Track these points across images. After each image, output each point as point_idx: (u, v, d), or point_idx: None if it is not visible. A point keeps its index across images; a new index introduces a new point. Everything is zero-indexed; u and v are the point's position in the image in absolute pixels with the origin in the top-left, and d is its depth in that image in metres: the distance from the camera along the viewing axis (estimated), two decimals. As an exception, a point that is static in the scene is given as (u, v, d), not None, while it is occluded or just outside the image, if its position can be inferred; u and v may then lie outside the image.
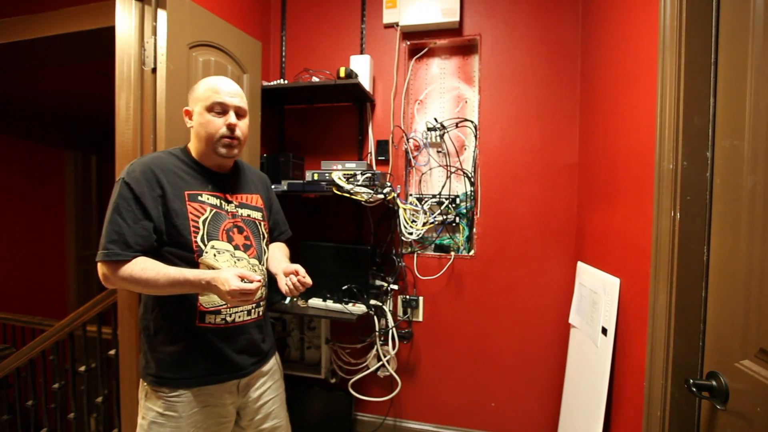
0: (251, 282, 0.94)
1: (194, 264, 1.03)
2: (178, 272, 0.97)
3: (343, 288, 1.80)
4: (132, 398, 1.47)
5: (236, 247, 1.11)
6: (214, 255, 1.06)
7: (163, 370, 1.04)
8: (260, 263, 1.18)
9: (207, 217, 1.06)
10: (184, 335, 1.05)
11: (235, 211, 1.14)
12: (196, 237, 1.04)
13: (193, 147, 1.12)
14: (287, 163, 1.94)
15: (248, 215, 1.18)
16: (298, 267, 1.13)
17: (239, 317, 1.12)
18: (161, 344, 1.05)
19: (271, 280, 1.21)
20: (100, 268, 0.98)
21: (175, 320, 1.05)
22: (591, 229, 1.64)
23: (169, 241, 1.02)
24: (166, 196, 1.01)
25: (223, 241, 1.08)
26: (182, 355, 1.05)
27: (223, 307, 1.08)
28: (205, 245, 1.05)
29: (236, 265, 1.09)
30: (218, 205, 1.10)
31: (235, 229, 1.12)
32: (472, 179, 1.98)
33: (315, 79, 2.03)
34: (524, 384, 1.93)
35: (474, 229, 1.98)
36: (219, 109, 1.06)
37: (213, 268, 1.03)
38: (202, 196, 1.07)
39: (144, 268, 0.96)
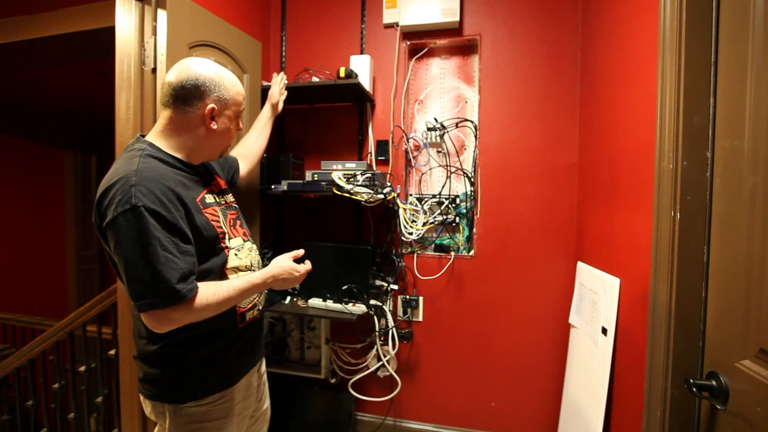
0: (299, 257, 1.08)
1: (224, 273, 0.98)
2: (243, 282, 0.95)
3: (343, 288, 1.80)
4: (132, 398, 1.47)
5: (243, 239, 1.08)
6: (235, 254, 1.02)
7: (208, 383, 0.98)
8: (253, 244, 1.15)
9: (222, 219, 1.01)
10: (228, 343, 1.00)
11: (227, 202, 1.09)
12: (224, 243, 0.99)
13: (185, 145, 0.96)
14: (287, 163, 1.94)
15: (232, 201, 1.12)
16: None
17: (261, 305, 1.14)
18: (200, 363, 0.97)
19: None
20: (168, 314, 0.82)
21: (216, 334, 0.98)
22: (591, 228, 1.64)
23: (198, 258, 0.91)
24: (190, 212, 0.90)
25: (234, 237, 1.04)
26: (229, 361, 1.01)
27: (256, 299, 1.09)
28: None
29: (250, 254, 1.08)
30: (216, 201, 1.03)
31: (236, 221, 1.09)
32: (472, 179, 1.98)
33: (315, 79, 2.03)
34: (524, 384, 1.93)
35: (474, 229, 1.98)
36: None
37: (237, 268, 1.02)
38: (207, 199, 0.99)
39: (214, 291, 0.88)
